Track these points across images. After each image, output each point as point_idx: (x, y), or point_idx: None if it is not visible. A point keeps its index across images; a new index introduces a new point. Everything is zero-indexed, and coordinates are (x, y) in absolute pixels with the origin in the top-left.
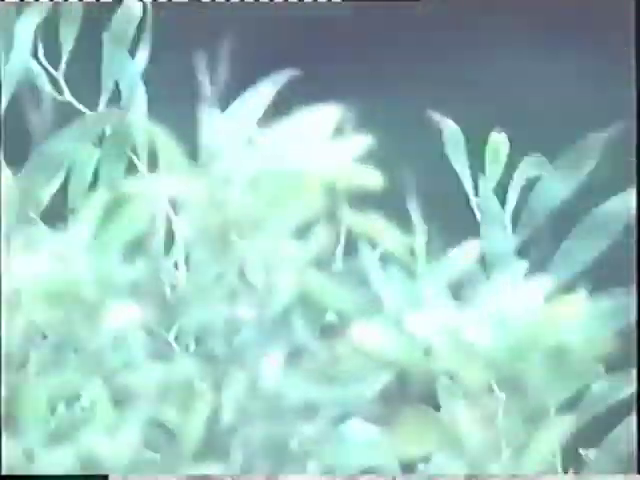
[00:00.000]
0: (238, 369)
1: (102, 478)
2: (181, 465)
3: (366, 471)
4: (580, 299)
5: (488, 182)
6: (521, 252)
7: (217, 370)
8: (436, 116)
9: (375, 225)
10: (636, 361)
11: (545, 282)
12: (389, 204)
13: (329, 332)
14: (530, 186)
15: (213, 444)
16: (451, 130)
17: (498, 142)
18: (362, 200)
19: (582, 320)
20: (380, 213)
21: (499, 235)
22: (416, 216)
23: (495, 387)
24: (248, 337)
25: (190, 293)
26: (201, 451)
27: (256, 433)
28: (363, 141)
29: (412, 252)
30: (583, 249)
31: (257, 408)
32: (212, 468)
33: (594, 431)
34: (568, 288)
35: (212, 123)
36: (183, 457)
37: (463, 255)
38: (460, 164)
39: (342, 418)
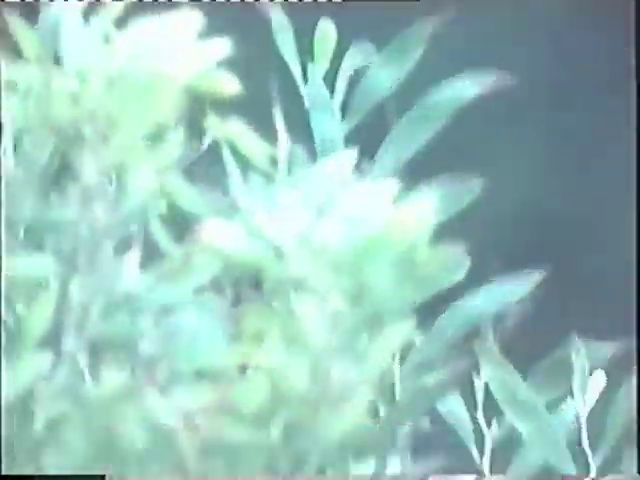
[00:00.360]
0: (87, 268)
1: (100, 478)
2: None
3: (207, 372)
4: (428, 202)
5: (317, 70)
6: (350, 140)
7: (65, 268)
8: (264, 4)
9: (236, 130)
10: (636, 358)
11: (393, 184)
12: (249, 110)
13: (183, 233)
14: (358, 74)
15: (55, 340)
16: (278, 19)
17: (326, 30)
18: (222, 105)
19: (429, 223)
20: (241, 119)
21: (328, 123)
22: (279, 124)
23: (342, 290)
24: (101, 237)
25: (24, 188)
26: (44, 341)
27: (103, 332)
28: (222, 46)
29: (273, 160)
30: (412, 137)
31: (104, 307)
32: (53, 358)
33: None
34: (415, 189)
35: (70, 21)
36: (26, 345)
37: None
38: (288, 53)
39: (189, 316)
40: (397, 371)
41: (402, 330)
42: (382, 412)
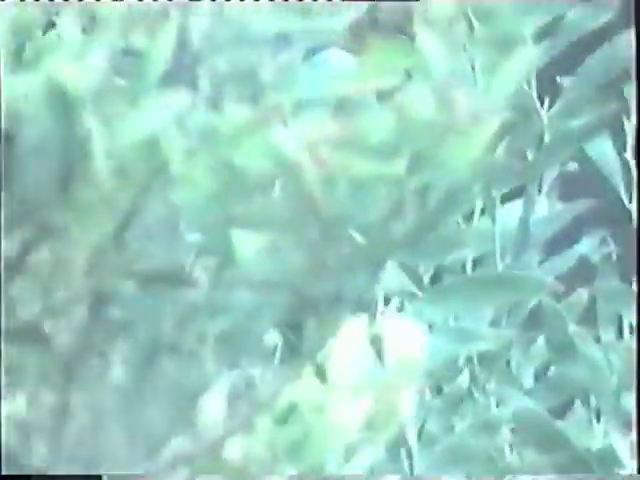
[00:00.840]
0: None
1: (96, 478)
2: (148, 91)
3: (333, 103)
4: None
5: None
6: None
7: None
8: None
9: None
10: (636, 349)
11: None
12: None
13: None
14: None
15: (181, 70)
16: None
17: None
18: None
19: None
20: None
21: None
22: None
23: (468, 15)
24: None
25: None
26: (168, 77)
27: (224, 61)
28: None
29: None
30: None
31: (225, 36)
32: (180, 94)
33: (570, 58)
34: None
35: None
36: (150, 83)
37: None
38: None
39: (316, 49)
40: (544, 114)
41: (529, 55)
42: (528, 154)
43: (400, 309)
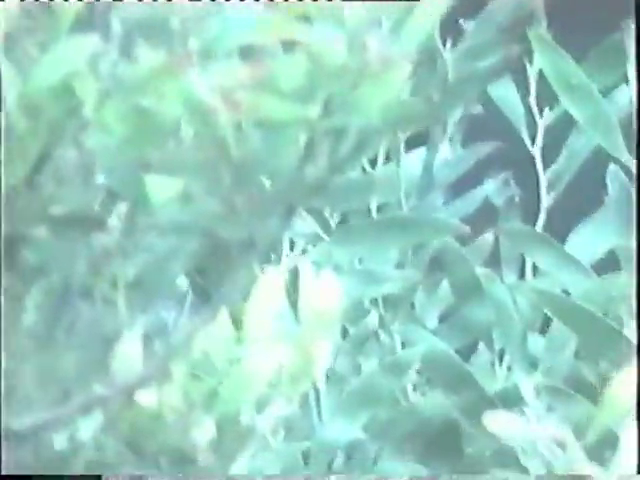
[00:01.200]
0: None
1: (95, 478)
2: (60, 37)
3: (247, 51)
4: None
5: None
6: None
7: None
8: None
9: None
10: (636, 355)
11: None
12: None
13: None
14: None
15: (93, 18)
16: None
17: None
18: None
19: None
20: None
21: None
22: None
23: None
24: None
25: None
26: (80, 23)
27: (135, 10)
28: None
29: None
30: None
31: None
32: (93, 39)
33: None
34: None
35: None
36: (62, 29)
37: None
38: None
39: None
40: (448, 55)
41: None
42: (433, 94)
43: (306, 252)
